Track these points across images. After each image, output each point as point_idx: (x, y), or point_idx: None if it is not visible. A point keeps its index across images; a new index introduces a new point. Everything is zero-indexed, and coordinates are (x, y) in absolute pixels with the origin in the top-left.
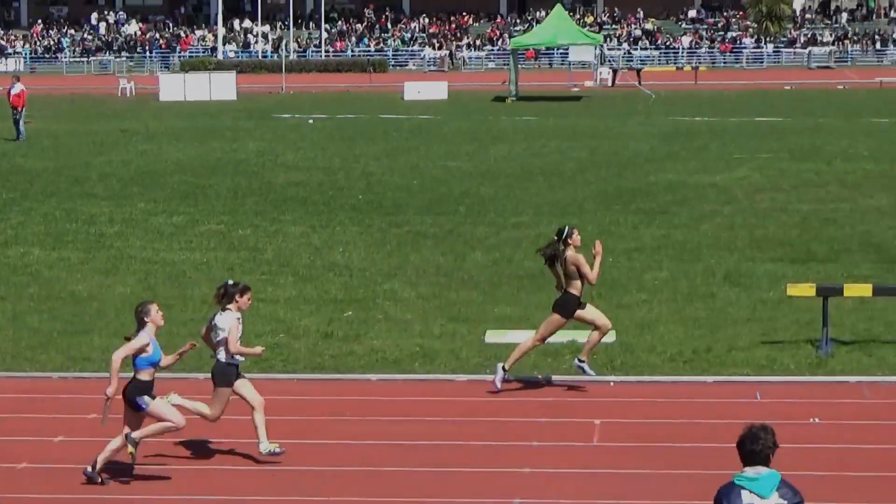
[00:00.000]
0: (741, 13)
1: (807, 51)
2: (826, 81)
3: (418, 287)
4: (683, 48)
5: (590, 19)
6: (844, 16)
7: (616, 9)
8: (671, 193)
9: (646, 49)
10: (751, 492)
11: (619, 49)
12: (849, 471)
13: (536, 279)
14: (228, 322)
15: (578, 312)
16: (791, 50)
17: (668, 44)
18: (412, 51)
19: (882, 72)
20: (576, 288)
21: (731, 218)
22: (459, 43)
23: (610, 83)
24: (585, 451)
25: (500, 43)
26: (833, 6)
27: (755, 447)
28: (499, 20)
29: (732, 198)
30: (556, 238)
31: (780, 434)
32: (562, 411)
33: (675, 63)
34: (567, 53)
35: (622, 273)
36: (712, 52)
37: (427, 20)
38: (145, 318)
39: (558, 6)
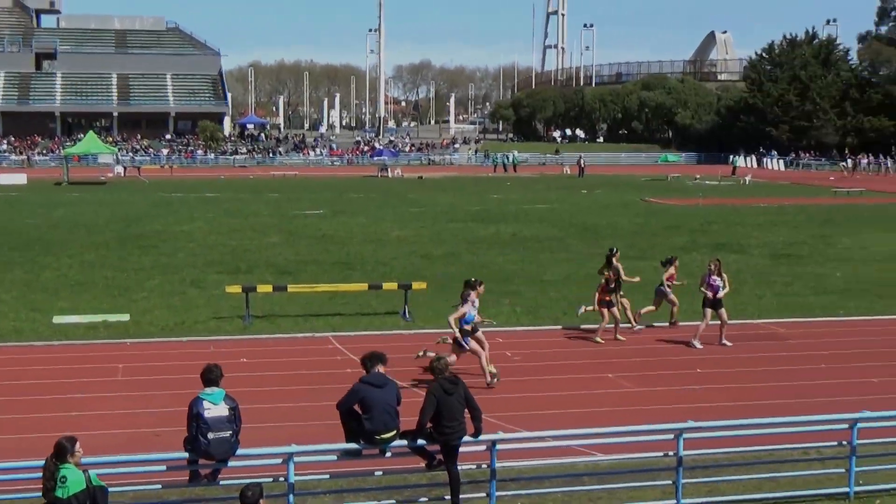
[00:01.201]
0: (196, 136)
1: (232, 157)
2: (243, 175)
3: (12, 293)
4: (165, 155)
5: (110, 139)
6: (261, 136)
7: (124, 133)
8: (159, 236)
9: (144, 155)
10: (209, 401)
11: (127, 156)
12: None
13: (83, 286)
14: (475, 302)
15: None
16: (224, 156)
17: (155, 153)
18: (4, 155)
19: (275, 169)
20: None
21: (193, 249)
22: (33, 152)
23: (122, 175)
24: (114, 382)
25: (58, 151)
26: (247, 133)
27: (211, 375)
28: (56, 139)
29: (194, 238)
30: (607, 254)
31: (224, 365)
32: (92, 361)
33: (160, 163)
34: (97, 157)
35: (132, 281)
36: (181, 158)
37: (13, 138)
38: (466, 297)
39: (90, 132)
